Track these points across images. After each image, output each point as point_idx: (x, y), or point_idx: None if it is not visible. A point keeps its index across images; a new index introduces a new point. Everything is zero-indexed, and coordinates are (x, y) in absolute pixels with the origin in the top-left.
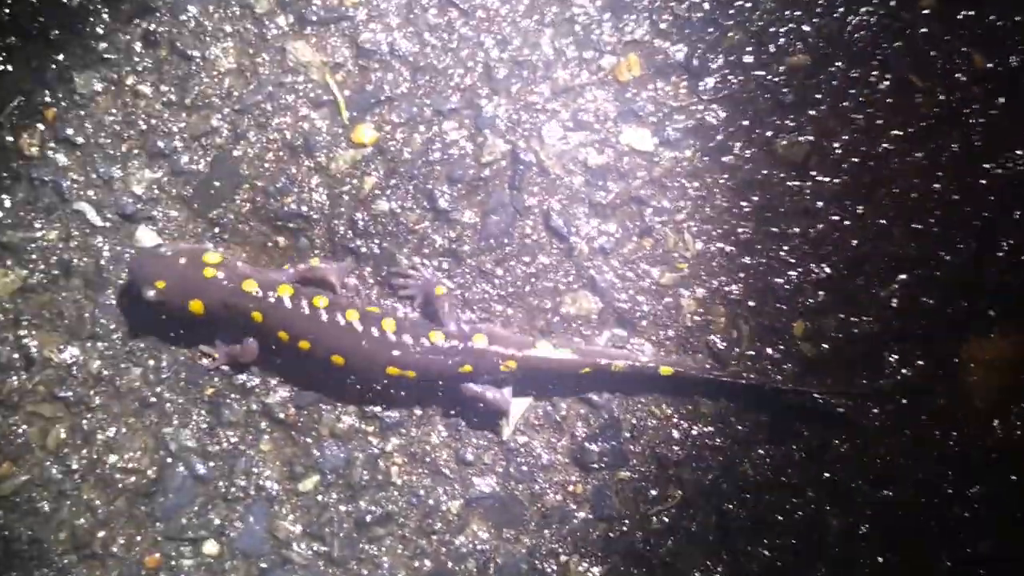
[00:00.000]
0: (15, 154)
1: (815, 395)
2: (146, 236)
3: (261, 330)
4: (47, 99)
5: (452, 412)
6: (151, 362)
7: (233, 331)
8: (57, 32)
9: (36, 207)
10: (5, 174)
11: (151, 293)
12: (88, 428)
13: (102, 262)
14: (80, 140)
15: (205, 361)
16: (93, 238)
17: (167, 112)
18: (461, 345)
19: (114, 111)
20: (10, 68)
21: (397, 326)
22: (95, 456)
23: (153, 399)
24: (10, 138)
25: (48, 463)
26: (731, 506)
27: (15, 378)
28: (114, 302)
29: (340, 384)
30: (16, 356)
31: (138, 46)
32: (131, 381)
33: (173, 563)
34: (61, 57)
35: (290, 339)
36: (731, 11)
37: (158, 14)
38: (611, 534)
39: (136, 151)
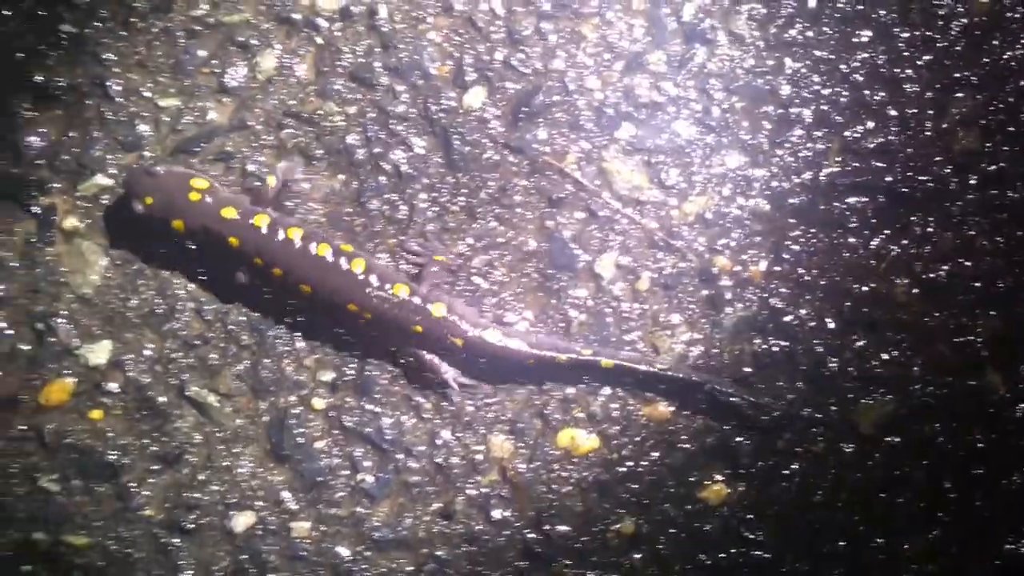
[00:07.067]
0: None
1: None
2: None
3: (238, 255)
4: None
5: None
6: None
7: (211, 255)
8: None
9: None
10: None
11: (139, 207)
12: None
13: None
14: None
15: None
16: None
17: None
18: (421, 305)
19: None
20: None
21: (367, 266)
22: None
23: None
24: None
25: None
26: None
27: None
28: None
29: None
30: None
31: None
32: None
33: None
34: None
35: (264, 264)
36: None
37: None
38: None
39: None
